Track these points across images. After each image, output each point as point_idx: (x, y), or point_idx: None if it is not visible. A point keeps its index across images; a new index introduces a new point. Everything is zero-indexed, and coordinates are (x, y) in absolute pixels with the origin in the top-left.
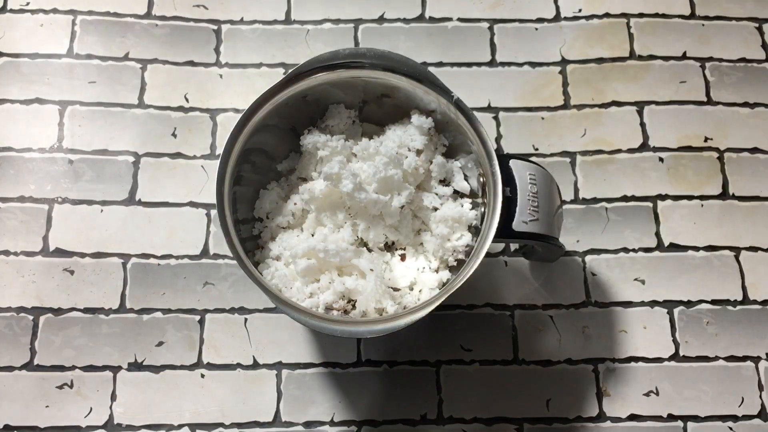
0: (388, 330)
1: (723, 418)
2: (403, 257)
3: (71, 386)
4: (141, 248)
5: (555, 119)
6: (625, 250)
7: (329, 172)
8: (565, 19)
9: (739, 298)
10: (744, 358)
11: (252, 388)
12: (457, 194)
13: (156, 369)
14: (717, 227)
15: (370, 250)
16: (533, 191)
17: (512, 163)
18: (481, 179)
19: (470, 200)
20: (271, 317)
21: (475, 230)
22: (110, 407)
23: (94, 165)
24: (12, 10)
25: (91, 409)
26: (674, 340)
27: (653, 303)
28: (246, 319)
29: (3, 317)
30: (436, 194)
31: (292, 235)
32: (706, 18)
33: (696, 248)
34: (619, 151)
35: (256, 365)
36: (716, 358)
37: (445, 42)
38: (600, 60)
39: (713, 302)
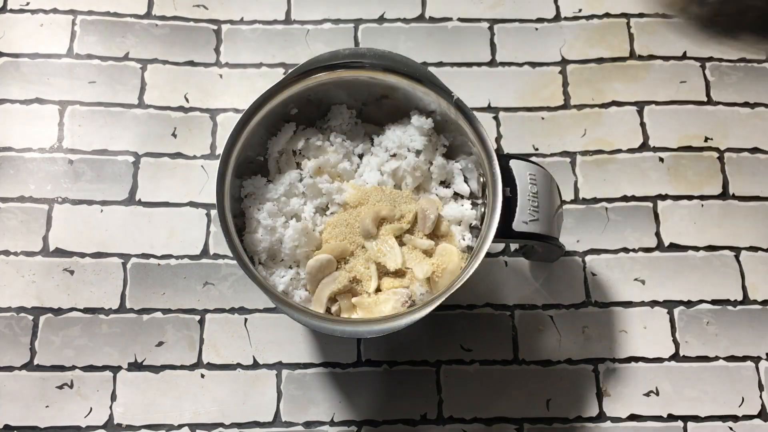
0: (388, 330)
1: (723, 418)
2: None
3: (71, 386)
4: (141, 248)
5: (555, 119)
6: (625, 250)
7: (265, 224)
8: (565, 19)
9: (740, 298)
10: (744, 358)
11: (252, 388)
12: (458, 196)
13: (156, 369)
14: (717, 227)
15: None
16: (533, 191)
17: (512, 163)
18: (482, 180)
19: (470, 201)
20: (271, 317)
21: (475, 230)
22: (110, 407)
23: (94, 165)
24: (12, 10)
25: (91, 409)
26: (674, 340)
27: (653, 303)
28: (246, 319)
29: (3, 317)
30: (437, 195)
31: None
32: None
33: (696, 248)
34: (619, 151)
35: (256, 365)
36: (716, 358)
37: (445, 42)
38: (600, 60)
39: (713, 302)
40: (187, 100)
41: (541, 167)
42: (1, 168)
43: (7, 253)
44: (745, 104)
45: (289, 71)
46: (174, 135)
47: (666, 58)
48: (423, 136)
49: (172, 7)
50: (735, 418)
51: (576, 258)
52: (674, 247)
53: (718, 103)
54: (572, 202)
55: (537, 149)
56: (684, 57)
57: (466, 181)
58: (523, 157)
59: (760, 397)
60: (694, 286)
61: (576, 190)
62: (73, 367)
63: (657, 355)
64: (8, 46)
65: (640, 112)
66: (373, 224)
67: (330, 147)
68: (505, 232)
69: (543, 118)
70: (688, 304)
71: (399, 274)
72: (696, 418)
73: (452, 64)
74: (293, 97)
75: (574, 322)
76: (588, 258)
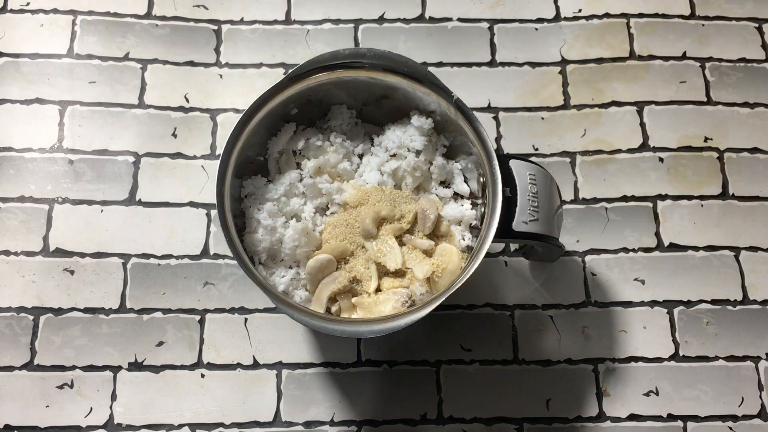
0: (388, 330)
1: (723, 418)
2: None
3: (71, 386)
4: (141, 248)
5: (555, 119)
6: (625, 250)
7: (266, 224)
8: (565, 19)
9: (739, 298)
10: (744, 358)
11: (252, 388)
12: (457, 196)
13: (156, 369)
14: (717, 227)
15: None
16: (533, 191)
17: (512, 163)
18: (481, 180)
19: (470, 201)
20: (271, 317)
21: (475, 230)
22: (110, 407)
23: (94, 165)
24: (12, 10)
25: (91, 409)
26: (674, 340)
27: (653, 303)
28: (246, 319)
29: (3, 317)
30: (437, 195)
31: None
32: (706, 18)
33: (696, 248)
34: (619, 151)
35: (256, 365)
36: (716, 358)
37: (445, 42)
38: (600, 60)
39: (713, 302)
40: (187, 100)
41: (541, 167)
42: (2, 168)
43: (7, 253)
44: (745, 104)
45: (289, 71)
46: (174, 135)
47: (666, 58)
48: (423, 136)
49: (172, 7)
50: (735, 418)
51: (576, 258)
52: (674, 247)
53: (718, 103)
54: (572, 202)
55: (537, 149)
56: (684, 57)
57: (466, 181)
58: (523, 157)
59: (760, 397)
60: (694, 286)
61: (576, 190)
62: (74, 367)
63: (657, 355)
64: (8, 46)
65: (640, 112)
66: (373, 224)
67: (330, 147)
68: (505, 232)
69: (543, 118)
70: (688, 304)
71: (399, 274)
72: (696, 418)
73: (452, 64)
74: (293, 97)
75: (574, 322)
76: (588, 258)
